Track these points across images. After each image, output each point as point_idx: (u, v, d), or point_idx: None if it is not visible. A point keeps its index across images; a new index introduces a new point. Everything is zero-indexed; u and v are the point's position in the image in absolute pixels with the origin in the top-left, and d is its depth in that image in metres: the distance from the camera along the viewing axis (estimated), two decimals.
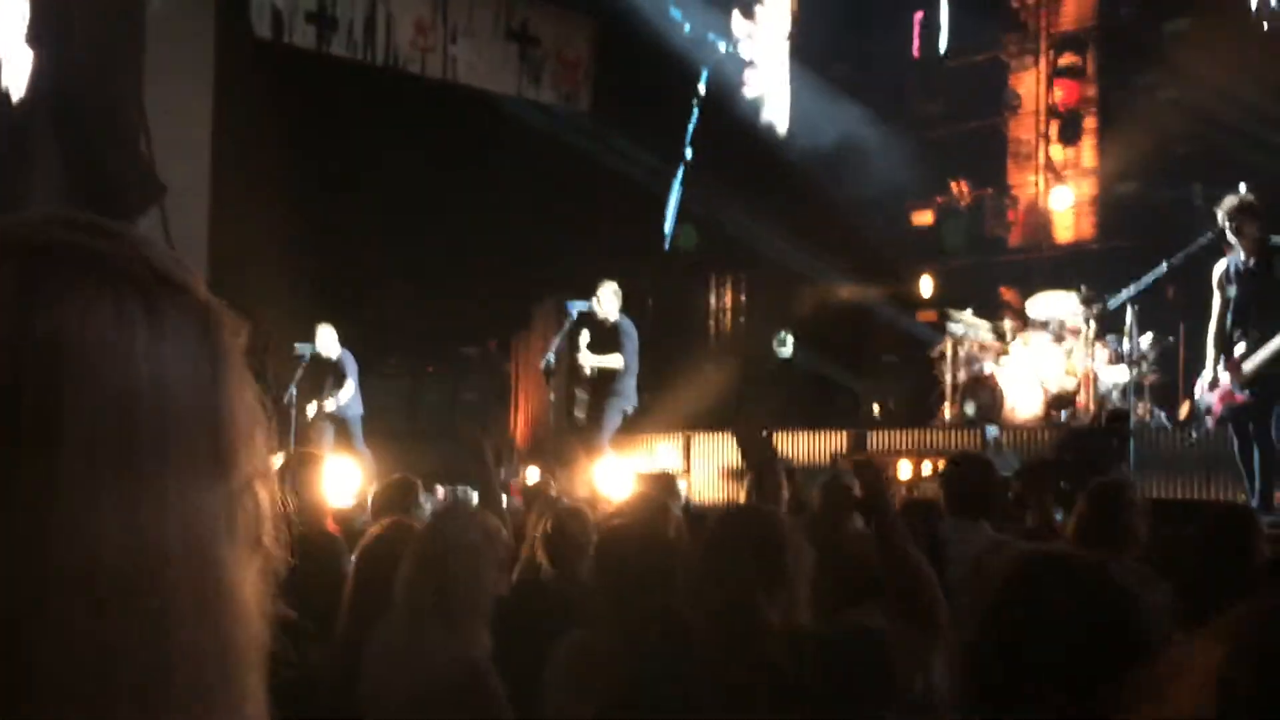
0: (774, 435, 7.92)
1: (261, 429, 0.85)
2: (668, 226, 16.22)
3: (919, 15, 15.55)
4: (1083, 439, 9.30)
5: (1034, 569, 1.96)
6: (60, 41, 12.29)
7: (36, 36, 12.06)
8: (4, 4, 11.99)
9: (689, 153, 16.14)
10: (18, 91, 12.09)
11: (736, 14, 16.24)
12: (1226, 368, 8.18)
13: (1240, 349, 8.11)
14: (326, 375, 12.84)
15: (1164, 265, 9.70)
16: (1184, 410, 10.90)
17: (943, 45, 15.31)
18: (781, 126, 15.87)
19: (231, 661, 0.80)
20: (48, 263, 0.78)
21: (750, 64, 16.10)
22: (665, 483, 7.46)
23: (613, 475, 11.18)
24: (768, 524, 3.42)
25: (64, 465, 0.74)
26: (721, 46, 16.26)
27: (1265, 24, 12.28)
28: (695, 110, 16.12)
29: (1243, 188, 8.67)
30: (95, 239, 0.81)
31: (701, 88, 16.23)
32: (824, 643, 3.16)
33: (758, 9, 16.11)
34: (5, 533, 0.73)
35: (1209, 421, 8.60)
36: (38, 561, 0.73)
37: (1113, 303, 10.81)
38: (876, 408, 13.17)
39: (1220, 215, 8.26)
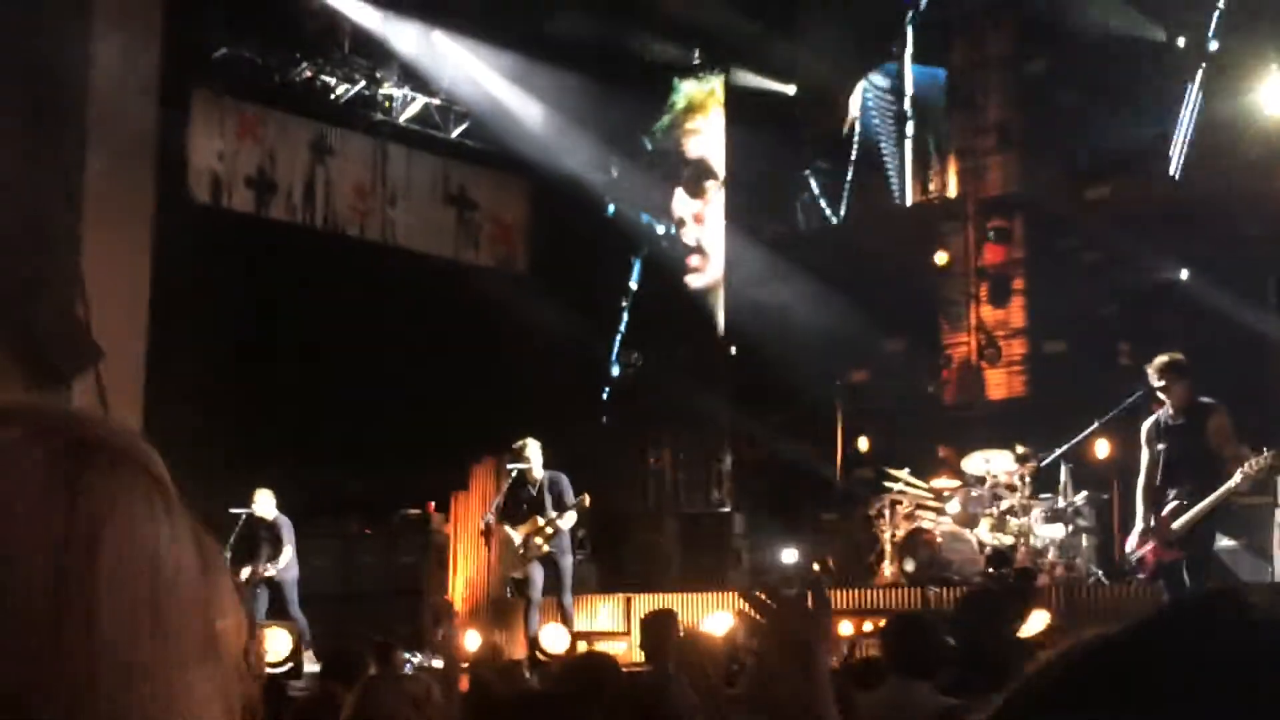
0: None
1: (241, 619, 0.89)
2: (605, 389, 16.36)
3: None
4: (981, 598, 9.33)
5: None
6: None
7: None
8: None
9: (624, 321, 16.37)
10: None
11: (680, 192, 16.58)
12: (1157, 524, 8.28)
13: (1170, 506, 8.22)
14: (262, 539, 12.69)
15: (1095, 423, 9.88)
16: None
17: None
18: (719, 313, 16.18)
19: None
20: (91, 451, 0.84)
21: (697, 249, 16.42)
22: (664, 621, 7.43)
23: (553, 638, 11.11)
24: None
25: (102, 643, 0.79)
26: (659, 229, 16.62)
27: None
28: (629, 296, 16.42)
29: (1168, 348, 8.87)
30: (121, 436, 0.88)
31: (634, 281, 16.55)
32: None
33: (709, 185, 16.45)
34: (58, 685, 0.78)
35: (1141, 578, 8.68)
36: None
37: (1046, 460, 10.98)
38: (816, 567, 13.15)
39: (1150, 373, 8.46)
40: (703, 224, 16.45)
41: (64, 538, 0.80)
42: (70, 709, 0.78)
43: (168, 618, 0.82)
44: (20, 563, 0.79)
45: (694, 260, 16.45)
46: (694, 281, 16.45)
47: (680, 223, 16.60)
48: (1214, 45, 12.96)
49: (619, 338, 16.38)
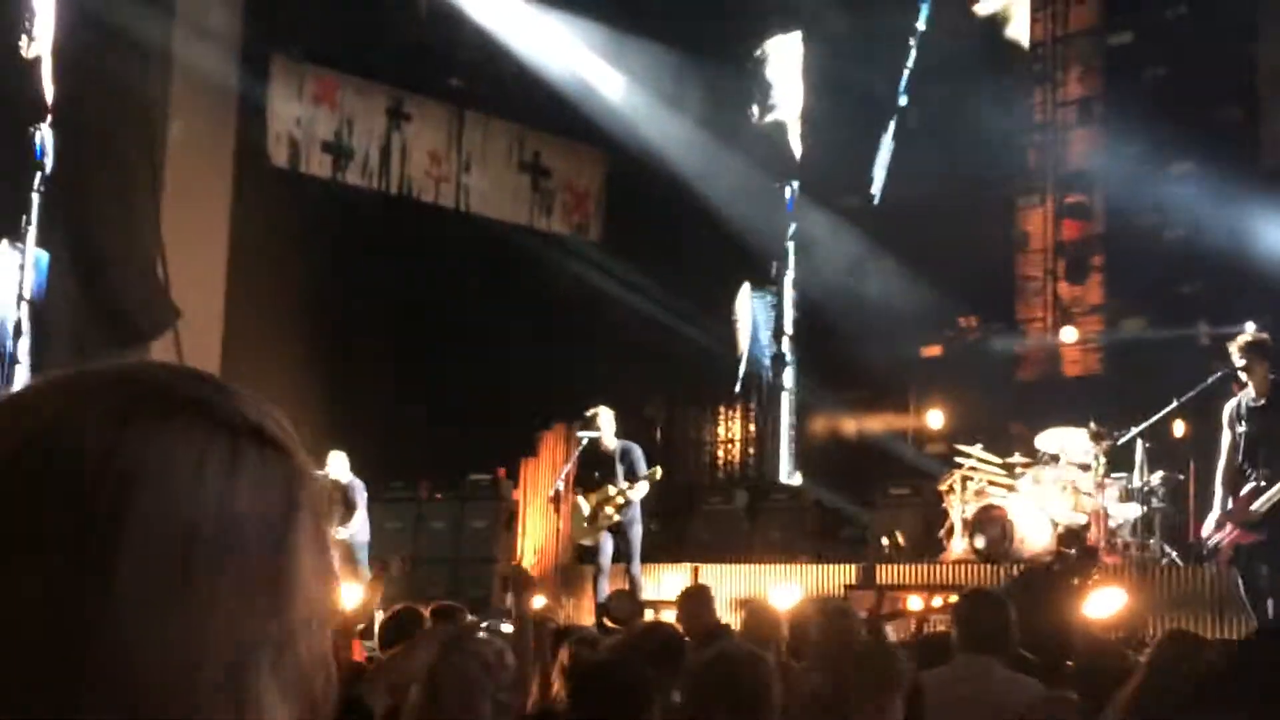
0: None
1: (330, 582, 0.89)
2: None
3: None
4: (1035, 576, 9.24)
5: None
6: (79, 168, 12.47)
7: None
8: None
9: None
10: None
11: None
12: (1235, 506, 8.16)
13: (1249, 487, 8.10)
14: (335, 501, 12.82)
15: (1174, 402, 9.74)
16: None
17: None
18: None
19: None
20: (144, 404, 0.85)
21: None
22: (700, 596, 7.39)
23: (624, 605, 11.14)
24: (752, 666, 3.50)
25: (119, 585, 0.79)
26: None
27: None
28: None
29: (1250, 326, 8.73)
30: (196, 386, 0.88)
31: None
32: None
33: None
34: (57, 640, 0.79)
35: (1219, 561, 8.56)
36: (78, 674, 0.78)
37: (1122, 439, 10.84)
38: (885, 541, 13.10)
39: (1233, 352, 8.32)
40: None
41: (101, 480, 0.81)
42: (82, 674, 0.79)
43: (204, 556, 0.82)
44: (46, 540, 0.80)
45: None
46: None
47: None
48: None
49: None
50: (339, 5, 14.65)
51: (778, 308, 15.81)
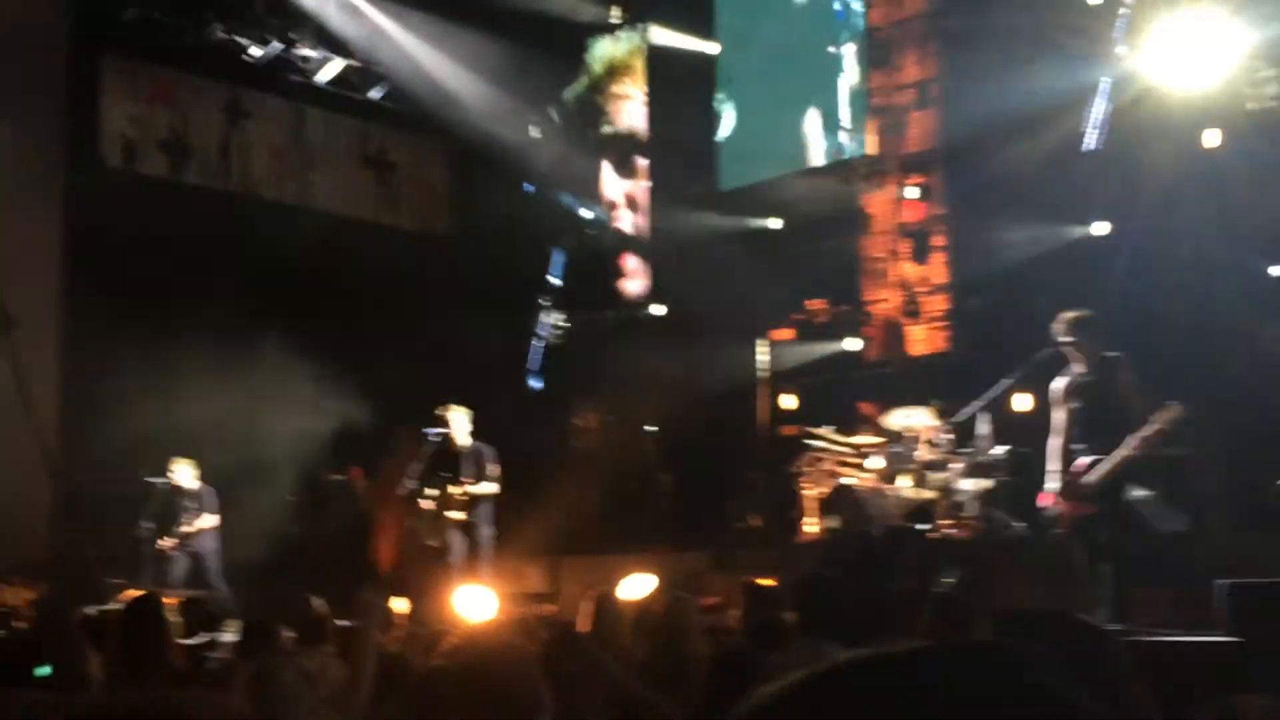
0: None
1: None
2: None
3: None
4: (847, 550, 9.35)
5: None
6: None
7: None
8: None
9: (553, 285, 16.05)
10: None
11: (608, 171, 16.44)
12: (1070, 480, 8.36)
13: (1083, 461, 8.29)
14: (184, 509, 12.55)
15: (1007, 379, 9.94)
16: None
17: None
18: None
19: None
20: None
21: (630, 237, 16.30)
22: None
23: (477, 602, 11.05)
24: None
25: None
26: (586, 213, 16.46)
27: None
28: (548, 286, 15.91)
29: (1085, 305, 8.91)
30: None
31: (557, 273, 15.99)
32: None
33: (641, 162, 16.31)
34: None
35: (1058, 532, 8.75)
36: None
37: (961, 415, 11.05)
38: (739, 525, 13.22)
39: (1057, 329, 8.51)
40: (636, 208, 16.34)
41: None
42: None
43: None
44: None
45: (630, 260, 16.38)
46: (627, 265, 16.37)
47: (611, 206, 16.48)
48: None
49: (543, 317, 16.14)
50: (171, 1, 14.31)
51: None
